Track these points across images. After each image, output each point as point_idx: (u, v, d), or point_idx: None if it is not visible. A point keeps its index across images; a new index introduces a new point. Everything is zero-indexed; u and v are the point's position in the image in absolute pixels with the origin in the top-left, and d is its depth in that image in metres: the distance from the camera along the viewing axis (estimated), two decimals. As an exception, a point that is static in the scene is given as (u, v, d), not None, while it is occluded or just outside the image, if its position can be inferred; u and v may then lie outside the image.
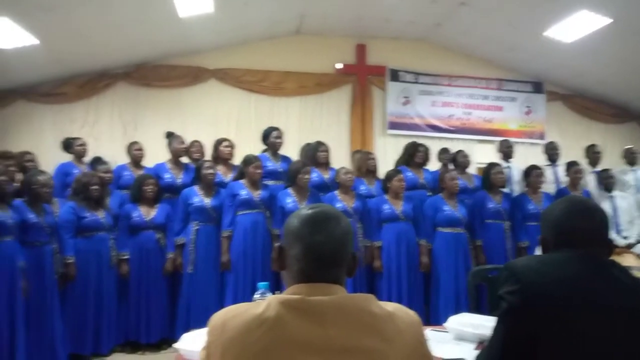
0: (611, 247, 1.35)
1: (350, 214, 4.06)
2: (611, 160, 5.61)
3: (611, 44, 6.11)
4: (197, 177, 4.17)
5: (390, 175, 4.29)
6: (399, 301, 3.99)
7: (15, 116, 6.09)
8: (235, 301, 3.84)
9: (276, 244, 1.04)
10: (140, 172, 4.50)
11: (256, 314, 1.00)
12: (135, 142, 4.78)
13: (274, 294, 1.72)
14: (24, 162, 4.13)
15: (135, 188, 4.15)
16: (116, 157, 5.09)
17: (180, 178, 4.48)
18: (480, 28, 6.74)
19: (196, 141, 4.86)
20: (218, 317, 1.06)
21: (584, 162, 5.19)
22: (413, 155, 4.80)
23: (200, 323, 1.80)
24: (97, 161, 4.54)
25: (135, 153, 4.67)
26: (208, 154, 4.72)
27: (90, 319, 3.72)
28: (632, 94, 7.57)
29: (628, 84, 7.23)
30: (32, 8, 4.54)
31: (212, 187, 4.16)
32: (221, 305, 3.94)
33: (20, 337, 3.21)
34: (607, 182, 4.86)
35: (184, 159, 4.69)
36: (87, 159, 4.70)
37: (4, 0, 4.29)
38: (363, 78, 7.24)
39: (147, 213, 4.08)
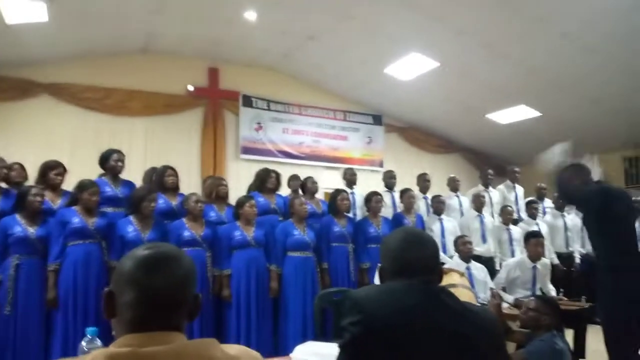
0: (441, 273, 1.46)
1: (199, 242, 3.92)
2: (438, 187, 6.26)
3: (439, 84, 6.95)
4: (19, 204, 3.65)
5: (241, 202, 4.24)
6: (248, 330, 3.92)
7: None
8: (65, 345, 3.42)
9: (105, 289, 0.92)
10: (-54, 197, 3.82)
11: None
12: (-61, 163, 4.05)
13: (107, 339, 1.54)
14: None
15: (-64, 217, 3.49)
16: None
17: (-4, 205, 3.89)
18: (327, 62, 7.16)
19: (16, 163, 4.28)
20: None
21: (416, 189, 5.71)
22: (265, 181, 4.82)
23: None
24: None
25: (-61, 175, 3.95)
26: (32, 178, 4.16)
27: None
28: (456, 128, 8.68)
29: (453, 120, 8.27)
30: None
31: (38, 215, 3.68)
32: (47, 352, 3.48)
33: None
34: (437, 206, 5.42)
35: (2, 184, 4.09)
36: None
37: None
38: (216, 102, 7.16)
39: (-48, 246, 3.45)
